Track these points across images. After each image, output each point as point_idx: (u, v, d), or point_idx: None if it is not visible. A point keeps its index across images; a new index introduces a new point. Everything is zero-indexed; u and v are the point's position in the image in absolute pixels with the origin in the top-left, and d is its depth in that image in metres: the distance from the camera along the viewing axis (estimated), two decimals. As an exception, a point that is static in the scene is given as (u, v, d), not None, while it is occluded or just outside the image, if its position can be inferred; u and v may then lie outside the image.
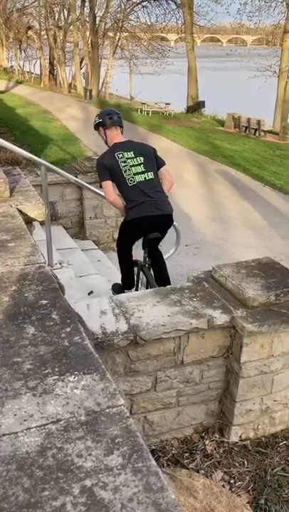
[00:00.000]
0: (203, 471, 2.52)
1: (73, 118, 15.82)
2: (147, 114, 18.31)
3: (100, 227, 5.87)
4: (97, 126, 3.70)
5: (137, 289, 3.94)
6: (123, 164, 3.45)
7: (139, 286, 4.00)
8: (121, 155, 3.48)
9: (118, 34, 24.74)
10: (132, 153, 3.50)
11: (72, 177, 4.55)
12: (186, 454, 2.69)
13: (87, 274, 4.53)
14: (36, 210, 2.07)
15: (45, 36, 27.70)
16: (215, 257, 5.67)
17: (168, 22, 24.58)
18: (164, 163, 3.71)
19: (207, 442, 2.79)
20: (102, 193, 4.61)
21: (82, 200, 5.77)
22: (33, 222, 2.16)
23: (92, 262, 4.97)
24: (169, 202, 3.62)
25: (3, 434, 0.86)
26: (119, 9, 24.65)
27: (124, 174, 3.43)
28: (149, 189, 3.46)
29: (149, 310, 2.72)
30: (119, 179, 3.45)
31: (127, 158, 3.47)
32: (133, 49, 26.43)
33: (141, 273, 3.94)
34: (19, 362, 1.06)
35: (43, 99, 20.03)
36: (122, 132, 3.68)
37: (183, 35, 22.97)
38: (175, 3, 22.72)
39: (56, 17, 27.37)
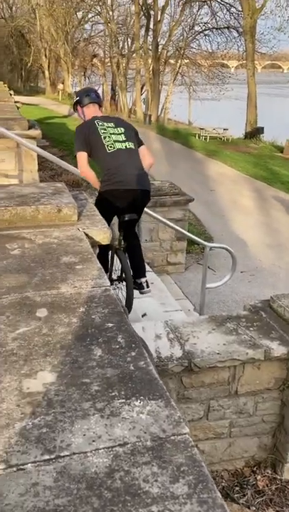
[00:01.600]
0: (254, 508, 2.44)
1: (132, 142, 16.12)
2: (205, 139, 18.43)
3: (155, 249, 5.94)
4: (75, 105, 3.59)
5: (110, 275, 3.65)
6: (103, 131, 3.26)
7: (113, 270, 3.72)
8: (101, 123, 3.32)
9: (179, 61, 25.26)
10: (112, 123, 3.37)
11: (131, 201, 4.65)
12: (237, 488, 2.62)
13: (141, 296, 4.58)
14: (102, 234, 2.15)
15: (109, 63, 28.76)
16: (271, 285, 5.56)
17: (229, 49, 24.81)
18: (143, 143, 3.55)
19: (259, 477, 2.71)
20: (161, 218, 4.69)
21: (138, 223, 5.87)
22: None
23: (146, 285, 5.01)
24: (148, 178, 3.42)
25: (74, 453, 0.90)
26: (181, 37, 25.22)
27: (104, 141, 3.23)
28: (130, 160, 3.26)
29: (204, 337, 2.71)
30: (98, 147, 3.24)
31: (107, 127, 3.31)
32: (193, 75, 26.87)
33: (115, 257, 3.65)
34: (87, 383, 1.10)
35: (103, 124, 20.60)
36: (101, 112, 3.55)
37: (244, 62, 23.09)
38: (237, 31, 22.96)
39: (120, 45, 28.40)
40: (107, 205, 3.20)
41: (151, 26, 24.06)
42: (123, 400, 1.04)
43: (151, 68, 24.65)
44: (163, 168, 12.05)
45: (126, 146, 3.27)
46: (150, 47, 24.57)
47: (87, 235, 2.11)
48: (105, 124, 3.31)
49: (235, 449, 2.82)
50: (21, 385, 1.09)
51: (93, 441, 0.93)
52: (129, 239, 3.57)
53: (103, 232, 2.17)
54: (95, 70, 32.60)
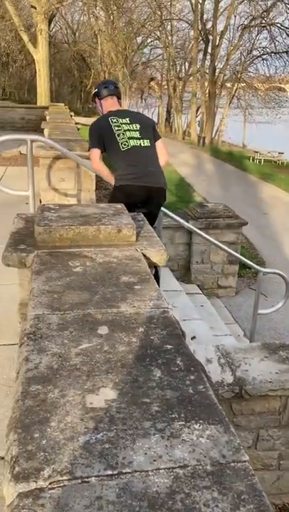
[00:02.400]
0: None
1: (185, 164, 16.32)
2: (259, 162, 18.29)
3: (206, 272, 5.92)
4: (93, 97, 3.54)
5: None
6: (116, 128, 3.18)
7: None
8: (115, 120, 3.23)
9: (236, 85, 25.36)
10: (127, 119, 3.25)
11: (185, 222, 4.70)
12: (284, 524, 2.53)
13: (191, 319, 4.57)
14: (159, 256, 2.19)
15: (166, 86, 29.31)
16: None
17: (287, 74, 24.66)
18: (160, 137, 3.45)
19: (308, 515, 2.60)
20: (214, 240, 4.69)
21: (190, 244, 5.89)
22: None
23: (195, 307, 5.01)
24: (164, 176, 3.32)
25: (135, 471, 0.93)
26: (238, 62, 25.36)
27: (118, 138, 3.15)
28: (145, 157, 3.18)
29: (256, 364, 2.67)
30: (112, 144, 3.18)
31: (122, 123, 3.21)
32: (249, 99, 26.86)
33: None
34: (147, 402, 1.13)
35: (158, 145, 20.90)
36: (120, 104, 3.47)
37: (302, 86, 22.85)
38: (296, 55, 22.82)
39: (178, 69, 28.91)
40: (120, 201, 3.11)
41: (209, 50, 24.39)
42: (183, 423, 1.06)
43: (207, 91, 24.90)
44: (216, 190, 12.06)
45: (141, 144, 3.19)
46: (207, 70, 24.87)
47: (144, 255, 2.16)
48: (120, 120, 3.23)
49: (283, 482, 2.73)
50: (85, 400, 1.13)
51: (154, 460, 0.95)
52: None
53: (160, 254, 2.21)
54: (151, 92, 33.29)
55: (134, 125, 3.23)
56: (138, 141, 3.19)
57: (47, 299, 1.66)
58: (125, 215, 2.47)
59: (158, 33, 27.62)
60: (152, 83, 31.50)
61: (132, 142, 3.17)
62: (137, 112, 3.61)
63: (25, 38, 17.05)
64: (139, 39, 31.69)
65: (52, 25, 19.68)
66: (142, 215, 2.80)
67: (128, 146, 3.16)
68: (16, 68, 39.03)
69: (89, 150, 3.29)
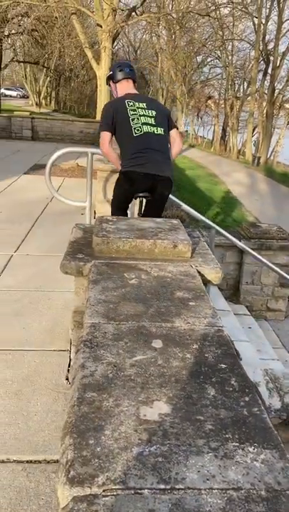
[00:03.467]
0: None
1: (238, 183, 16.21)
2: (315, 185, 17.84)
3: (255, 293, 5.82)
4: (108, 80, 3.38)
5: None
6: (132, 112, 3.05)
7: None
8: (132, 103, 3.09)
9: (295, 106, 25.02)
10: (144, 104, 3.12)
11: (237, 241, 4.65)
12: None
13: (238, 340, 4.49)
14: (214, 274, 2.19)
15: (223, 105, 29.34)
16: None
17: None
18: (176, 126, 3.31)
19: None
20: (266, 261, 4.61)
21: (241, 264, 5.82)
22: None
23: (243, 328, 4.92)
24: (172, 167, 3.19)
25: (188, 488, 0.92)
26: (299, 83, 25.04)
27: (132, 123, 3.02)
28: (155, 145, 3.05)
29: (306, 392, 2.59)
30: (124, 128, 3.05)
31: (138, 108, 3.08)
32: (308, 120, 26.39)
33: None
34: (201, 420, 1.12)
35: (211, 163, 21.00)
36: (135, 88, 3.30)
37: None
38: None
39: (236, 88, 28.89)
40: (124, 187, 3.12)
41: (269, 71, 24.27)
42: (237, 444, 1.04)
43: (265, 111, 24.69)
44: (269, 210, 11.87)
45: (154, 132, 3.08)
46: (266, 91, 24.71)
47: (199, 272, 2.15)
48: (136, 104, 3.11)
49: None
50: (138, 412, 1.14)
51: (207, 479, 0.94)
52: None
53: (215, 272, 2.20)
54: (208, 110, 33.45)
55: (150, 111, 3.12)
56: (152, 127, 3.08)
57: (103, 308, 1.69)
58: (181, 231, 2.48)
59: (218, 52, 27.80)
60: (209, 101, 31.63)
61: (146, 128, 3.07)
62: (152, 99, 3.48)
63: (89, 54, 17.65)
64: (199, 58, 32.05)
65: (115, 43, 20.25)
66: (197, 232, 2.81)
67: (141, 131, 3.05)
68: (78, 83, 40.43)
69: (100, 132, 3.16)
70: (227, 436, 1.07)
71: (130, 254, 2.25)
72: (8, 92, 48.18)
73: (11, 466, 1.76)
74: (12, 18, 20.39)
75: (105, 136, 3.10)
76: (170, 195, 4.73)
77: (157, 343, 1.47)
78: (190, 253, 2.28)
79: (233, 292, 5.90)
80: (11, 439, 1.89)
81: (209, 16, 21.91)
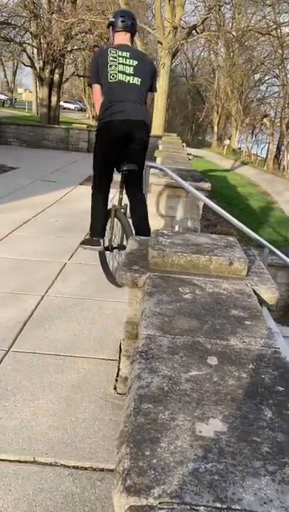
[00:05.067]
0: None
1: (292, 202, 15.86)
2: None
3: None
4: (108, 26, 3.35)
5: (110, 240, 3.45)
6: (111, 59, 3.07)
7: (114, 235, 3.47)
8: (114, 51, 3.11)
9: None
10: (127, 54, 3.11)
11: (290, 263, 4.55)
12: None
13: (286, 363, 4.37)
14: (270, 294, 2.15)
15: (279, 124, 28.97)
16: None
17: None
18: (156, 90, 3.34)
19: None
20: None
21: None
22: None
23: (291, 351, 4.77)
24: (148, 114, 3.23)
25: (245, 510, 0.91)
26: None
27: (109, 69, 3.05)
28: (129, 94, 3.06)
29: None
30: (102, 75, 3.09)
31: (119, 56, 3.09)
32: None
33: (115, 220, 3.40)
34: (258, 441, 1.10)
35: (264, 181, 20.72)
36: (132, 41, 3.27)
37: None
38: None
39: (293, 107, 28.41)
40: (103, 141, 3.16)
41: None
42: (295, 470, 1.02)
43: None
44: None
45: (129, 81, 3.08)
46: None
47: (254, 291, 2.13)
48: (119, 51, 3.12)
49: None
50: (194, 427, 1.13)
51: (264, 503, 0.93)
52: (133, 194, 3.38)
53: (271, 292, 2.17)
54: (263, 128, 33.11)
55: (131, 60, 3.12)
56: (128, 77, 3.08)
57: (158, 321, 1.70)
58: (238, 248, 2.47)
59: (277, 70, 27.55)
60: (265, 120, 31.32)
61: (121, 76, 3.07)
62: (141, 52, 3.50)
63: (147, 70, 17.99)
64: (256, 76, 31.89)
65: (173, 60, 20.54)
66: (253, 251, 2.78)
67: (115, 79, 3.07)
68: (134, 98, 41.14)
69: (91, 84, 3.24)
70: (284, 460, 1.05)
71: (185, 269, 2.26)
72: (66, 105, 49.84)
73: (58, 470, 1.80)
74: (76, 35, 21.15)
75: (95, 88, 3.20)
76: (225, 213, 4.74)
77: (212, 360, 1.47)
78: (246, 271, 2.26)
79: (283, 314, 5.76)
80: (59, 443, 1.93)
81: (270, 34, 21.81)
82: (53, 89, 22.49)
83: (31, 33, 21.84)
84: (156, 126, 17.69)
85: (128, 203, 3.41)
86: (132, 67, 3.11)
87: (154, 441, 1.08)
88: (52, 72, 21.75)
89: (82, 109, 51.17)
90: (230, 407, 1.23)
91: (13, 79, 54.08)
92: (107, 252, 3.58)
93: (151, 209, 5.42)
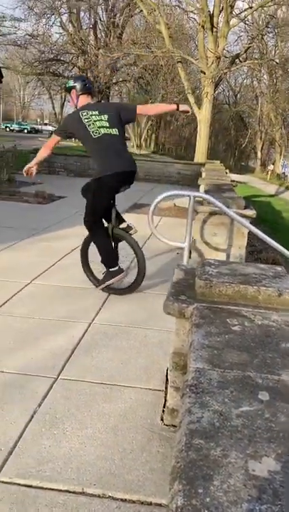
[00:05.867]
0: None
1: None
2: None
3: None
4: (70, 89, 3.92)
5: (116, 258, 4.09)
6: (86, 120, 3.66)
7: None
8: (85, 113, 3.71)
9: None
10: (96, 112, 3.72)
11: None
12: None
13: None
14: None
15: None
16: None
17: None
18: (134, 106, 4.02)
19: None
20: None
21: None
22: None
23: None
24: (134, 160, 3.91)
25: None
26: None
27: (88, 128, 3.63)
28: (116, 145, 3.69)
29: None
30: (85, 135, 3.66)
31: (91, 115, 3.69)
32: None
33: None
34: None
35: (310, 206, 20.28)
36: (92, 99, 3.96)
37: None
38: None
39: None
40: (107, 187, 3.74)
41: None
42: None
43: None
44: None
45: (110, 133, 3.67)
46: None
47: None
48: (89, 112, 3.71)
49: None
50: (247, 465, 1.12)
51: None
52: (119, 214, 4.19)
53: None
54: (308, 153, 32.70)
55: (102, 116, 3.70)
56: (108, 129, 3.67)
57: (207, 353, 1.70)
58: (286, 278, 2.44)
59: None
60: (310, 144, 30.95)
61: (103, 130, 3.66)
62: (103, 104, 4.27)
63: (191, 100, 18.31)
64: (301, 101, 31.68)
65: (216, 88, 20.83)
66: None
67: (99, 133, 3.64)
68: (177, 126, 41.87)
69: (51, 134, 3.91)
70: None
71: (232, 300, 2.25)
72: (111, 134, 51.17)
73: (106, 502, 1.80)
74: (121, 67, 21.93)
75: (54, 137, 3.95)
76: (269, 238, 4.69)
77: (264, 396, 1.44)
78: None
79: None
80: (107, 474, 1.93)
81: (314, 60, 21.74)
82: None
83: (79, 68, 22.84)
84: (199, 154, 17.85)
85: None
86: (106, 122, 3.70)
87: (206, 478, 1.07)
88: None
89: (126, 139, 52.40)
90: (284, 446, 1.20)
91: (61, 111, 56.40)
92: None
93: (194, 236, 5.44)
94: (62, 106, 55.22)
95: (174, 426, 2.27)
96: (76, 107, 3.89)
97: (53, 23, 29.69)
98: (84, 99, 3.88)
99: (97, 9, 22.40)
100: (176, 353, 2.30)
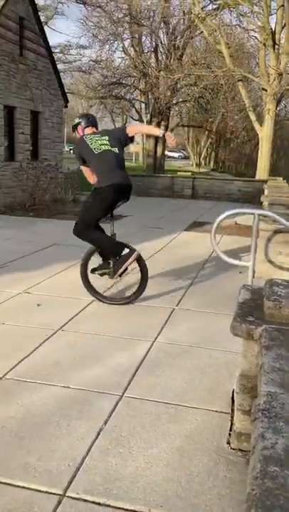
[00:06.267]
0: None
1: None
2: None
3: None
4: (76, 126, 4.44)
5: (101, 266, 4.38)
6: (89, 141, 4.17)
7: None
8: (89, 136, 4.25)
9: None
10: (98, 135, 4.25)
11: None
12: None
13: None
14: None
15: None
16: None
17: None
18: (124, 126, 4.67)
19: None
20: None
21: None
22: None
23: None
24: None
25: None
26: None
27: (91, 146, 4.11)
28: (116, 161, 4.11)
29: None
30: (88, 153, 4.13)
31: (93, 138, 4.20)
32: None
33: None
34: None
35: None
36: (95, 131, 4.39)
37: None
38: None
39: None
40: (108, 196, 4.06)
41: None
42: None
43: None
44: None
45: (110, 150, 4.14)
46: None
47: None
48: (92, 135, 4.25)
49: None
50: None
51: None
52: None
53: None
54: None
55: (104, 137, 4.21)
56: (108, 147, 4.13)
57: (278, 377, 1.65)
58: None
59: None
60: None
61: (104, 147, 4.12)
62: (106, 130, 4.56)
63: (252, 117, 18.17)
64: None
65: (278, 105, 20.54)
66: None
67: (100, 150, 4.10)
68: (237, 144, 41.56)
69: (80, 167, 4.45)
70: None
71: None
72: (170, 154, 51.73)
73: (173, 525, 1.77)
74: (181, 88, 22.22)
75: (84, 168, 4.36)
76: None
77: None
78: None
79: None
80: (173, 496, 1.91)
81: None
82: (159, 140, 23.61)
83: (140, 90, 23.40)
84: (261, 171, 17.57)
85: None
86: (107, 141, 4.18)
87: (284, 508, 1.03)
88: (158, 124, 22.93)
89: (185, 157, 52.77)
90: None
91: (122, 132, 57.79)
92: (89, 272, 4.41)
93: (258, 255, 5.34)
94: (123, 127, 56.60)
95: (242, 450, 2.21)
96: None
97: (115, 49, 30.87)
98: (88, 131, 4.38)
99: (158, 33, 22.95)
100: (243, 376, 2.25)
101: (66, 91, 15.69)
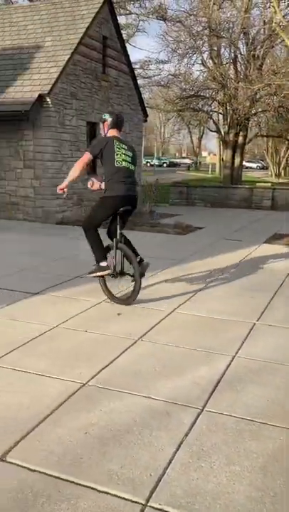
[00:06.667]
0: None
1: None
2: None
3: None
4: (104, 121, 4.60)
5: (115, 268, 4.61)
6: (117, 149, 4.45)
7: (117, 263, 4.61)
8: (118, 142, 4.50)
9: None
10: (125, 147, 4.56)
11: None
12: None
13: None
14: None
15: None
16: None
17: None
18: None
19: None
20: None
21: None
22: None
23: None
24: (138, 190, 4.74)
25: None
26: None
27: (116, 156, 4.43)
28: (129, 177, 4.52)
29: None
30: (110, 159, 4.42)
31: (121, 147, 4.50)
32: None
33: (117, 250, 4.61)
34: None
35: None
36: (120, 134, 4.65)
37: None
38: None
39: None
40: (110, 204, 4.49)
41: None
42: None
43: None
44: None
45: (129, 167, 4.54)
46: None
47: None
48: (121, 145, 4.52)
49: None
50: None
51: None
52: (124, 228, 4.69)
53: None
54: None
55: (128, 152, 4.57)
56: (128, 164, 4.53)
57: None
58: None
59: None
60: None
61: (124, 163, 4.49)
62: (130, 145, 4.71)
63: None
64: None
65: None
66: None
67: (121, 164, 4.46)
68: None
69: (85, 151, 4.60)
70: None
71: None
72: (248, 164, 50.88)
73: None
74: (260, 98, 21.81)
75: (87, 155, 4.51)
76: None
77: None
78: None
79: None
80: (258, 518, 1.85)
81: None
82: (237, 151, 23.30)
83: (218, 102, 23.31)
84: None
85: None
86: (130, 157, 4.56)
87: None
88: (236, 135, 22.65)
89: (263, 167, 51.59)
90: None
91: (199, 144, 57.96)
92: (107, 278, 4.71)
93: None
94: (199, 139, 56.77)
95: None
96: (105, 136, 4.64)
97: (194, 62, 31.06)
98: (113, 131, 4.60)
99: (237, 44, 22.75)
100: None
101: (145, 105, 16.05)
